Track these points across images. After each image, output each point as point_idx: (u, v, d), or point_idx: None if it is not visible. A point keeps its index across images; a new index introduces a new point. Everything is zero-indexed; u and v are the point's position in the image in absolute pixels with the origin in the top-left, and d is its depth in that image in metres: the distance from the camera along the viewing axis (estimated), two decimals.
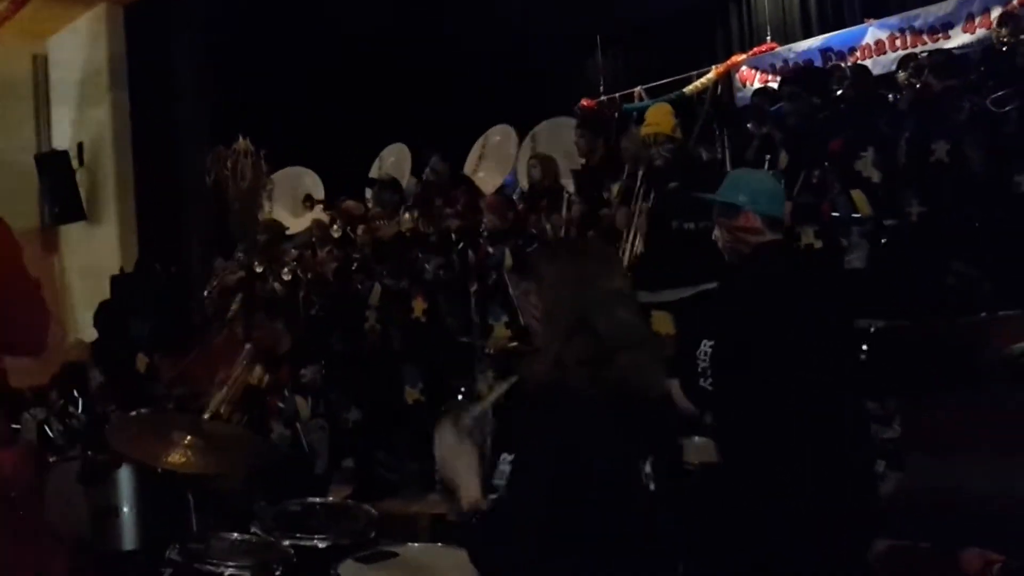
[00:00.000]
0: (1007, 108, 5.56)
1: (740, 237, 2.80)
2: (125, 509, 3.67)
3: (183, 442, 3.19)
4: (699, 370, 2.68)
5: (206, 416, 5.18)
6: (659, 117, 5.43)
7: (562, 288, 2.09)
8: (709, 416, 2.89)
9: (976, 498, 3.91)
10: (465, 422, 2.11)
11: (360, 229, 6.67)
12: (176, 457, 3.16)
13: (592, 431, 1.96)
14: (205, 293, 7.77)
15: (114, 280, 8.77)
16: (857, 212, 4.98)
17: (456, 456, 2.07)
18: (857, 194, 4.97)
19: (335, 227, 6.89)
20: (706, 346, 2.67)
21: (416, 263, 5.97)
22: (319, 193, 8.16)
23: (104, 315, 8.04)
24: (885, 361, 4.59)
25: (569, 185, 6.27)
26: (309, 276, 6.75)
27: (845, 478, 2.62)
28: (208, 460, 3.20)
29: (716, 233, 2.89)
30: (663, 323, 5.02)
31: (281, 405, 5.24)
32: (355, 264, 6.42)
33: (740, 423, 2.68)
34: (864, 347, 4.31)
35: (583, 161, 6.25)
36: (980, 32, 7.89)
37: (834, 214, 5.03)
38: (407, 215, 6.47)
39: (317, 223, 7.53)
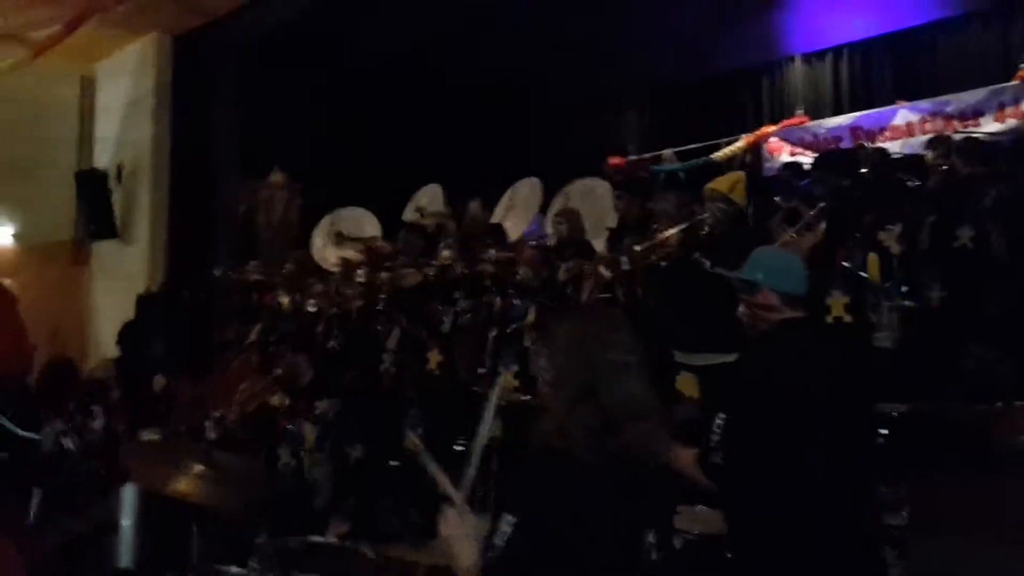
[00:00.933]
0: None
1: (759, 314, 2.88)
2: (125, 526, 3.70)
3: (192, 470, 3.20)
4: (712, 444, 2.73)
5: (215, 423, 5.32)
6: (727, 180, 5.57)
7: (571, 355, 2.11)
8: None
9: None
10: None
11: (383, 272, 6.73)
12: (184, 485, 3.17)
13: (596, 499, 1.98)
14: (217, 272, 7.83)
15: (139, 300, 8.89)
16: (866, 274, 4.97)
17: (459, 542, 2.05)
18: (872, 257, 5.01)
19: (359, 270, 6.96)
20: (719, 419, 2.73)
21: (435, 314, 6.00)
22: (368, 232, 8.24)
23: (127, 334, 8.14)
24: (902, 446, 4.58)
25: (598, 244, 6.32)
26: (333, 311, 6.81)
27: (853, 563, 2.63)
28: (216, 491, 3.21)
29: (740, 309, 2.96)
30: (689, 385, 5.03)
31: (290, 427, 5.30)
32: (378, 305, 6.47)
33: (746, 499, 2.70)
34: (884, 431, 4.31)
35: (617, 221, 6.29)
36: (1011, 122, 7.92)
37: (844, 264, 5.02)
38: (445, 252, 6.48)
39: (344, 260, 7.62)
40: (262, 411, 5.68)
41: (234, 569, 3.24)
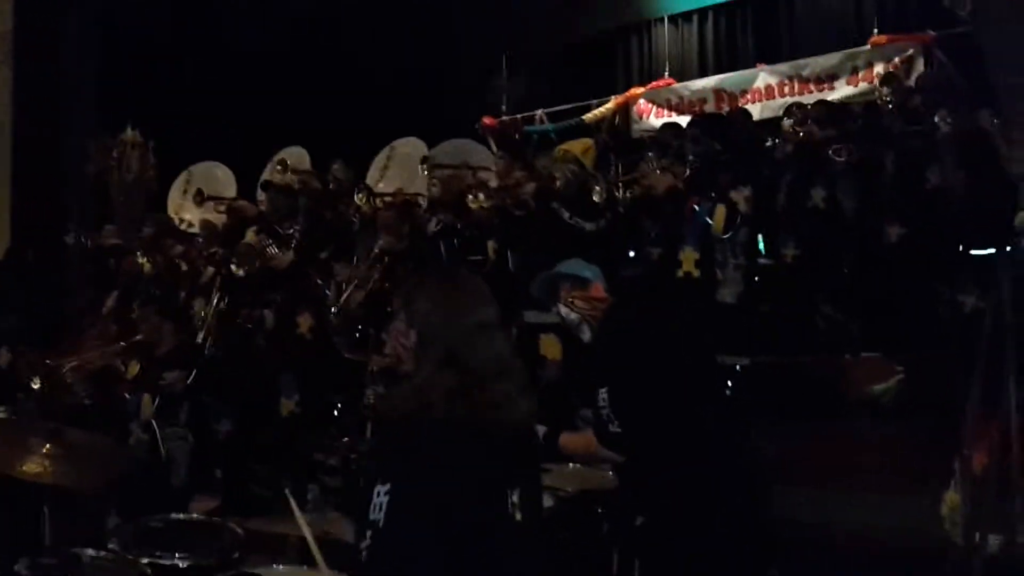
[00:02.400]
0: (882, 160, 5.91)
1: (595, 305, 3.06)
2: None
3: (41, 450, 3.03)
4: (604, 416, 2.85)
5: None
6: (579, 144, 5.68)
7: (433, 319, 2.12)
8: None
9: (836, 528, 4.11)
10: None
11: (253, 237, 6.50)
12: (32, 466, 2.99)
13: (460, 459, 1.98)
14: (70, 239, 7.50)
15: None
16: (711, 223, 5.19)
17: None
18: (720, 208, 5.20)
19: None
20: (602, 393, 2.85)
21: (309, 281, 5.87)
22: (229, 193, 7.94)
23: None
24: (751, 397, 4.82)
25: None
26: (202, 275, 6.54)
27: (747, 504, 2.78)
28: (67, 470, 3.04)
29: (563, 311, 3.12)
30: (551, 346, 5.14)
31: (128, 396, 5.09)
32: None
33: (649, 459, 2.83)
34: (728, 383, 4.52)
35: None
36: (863, 85, 8.33)
37: (696, 207, 5.25)
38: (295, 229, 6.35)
39: (204, 223, 7.34)
40: (107, 376, 5.43)
41: (90, 552, 3.09)
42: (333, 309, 5.65)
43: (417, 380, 2.06)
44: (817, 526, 4.05)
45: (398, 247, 5.82)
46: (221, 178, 8.19)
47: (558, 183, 5.54)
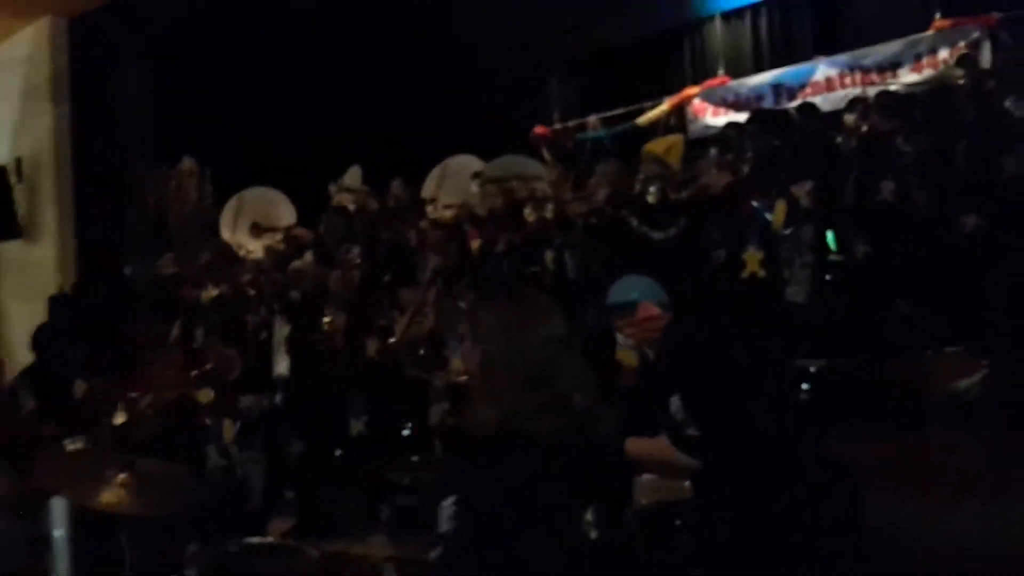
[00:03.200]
0: (952, 148, 5.70)
1: (647, 327, 3.07)
2: (57, 540, 3.57)
3: (116, 480, 3.07)
4: (679, 421, 2.82)
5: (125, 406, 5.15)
6: (663, 142, 5.67)
7: (501, 337, 2.10)
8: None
9: (922, 534, 3.97)
10: None
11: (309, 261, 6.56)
12: (108, 496, 3.05)
13: (530, 478, 1.96)
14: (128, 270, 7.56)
15: (52, 301, 8.50)
16: (771, 216, 5.03)
17: None
18: (780, 203, 5.07)
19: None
20: (675, 401, 2.83)
21: (375, 304, 5.89)
22: (287, 218, 8.02)
23: (42, 338, 7.79)
24: (826, 401, 4.67)
25: None
26: (274, 305, 6.61)
27: (811, 509, 2.71)
28: (143, 500, 3.08)
29: (620, 339, 3.16)
30: (627, 354, 5.05)
31: (208, 422, 5.17)
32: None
33: (725, 456, 2.78)
34: (805, 386, 4.38)
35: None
36: (927, 72, 8.09)
37: (754, 204, 5.11)
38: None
39: (269, 248, 7.42)
40: (183, 405, 5.52)
41: None
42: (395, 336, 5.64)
43: (484, 394, 2.06)
44: (899, 532, 3.88)
45: (449, 265, 5.80)
46: (274, 202, 8.26)
47: (638, 184, 5.44)
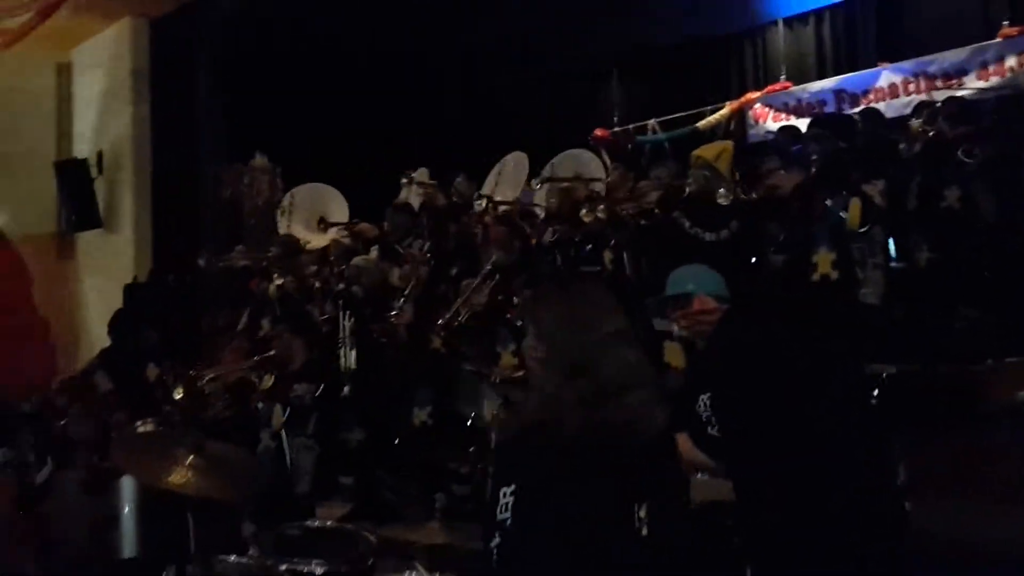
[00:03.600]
0: (1019, 156, 5.60)
1: (701, 319, 3.00)
2: (125, 517, 3.70)
3: (185, 462, 3.19)
4: (703, 419, 2.76)
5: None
6: (713, 148, 5.67)
7: (560, 333, 2.13)
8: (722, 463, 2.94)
9: (980, 544, 3.91)
10: None
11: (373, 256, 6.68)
12: (177, 476, 3.16)
13: (582, 471, 1.98)
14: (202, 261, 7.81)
15: (127, 289, 8.83)
16: (846, 216, 4.94)
17: None
18: (855, 201, 4.93)
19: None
20: (704, 398, 2.77)
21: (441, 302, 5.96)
22: (339, 214, 8.18)
23: (118, 323, 8.09)
24: (894, 407, 4.60)
25: None
26: (340, 297, 6.75)
27: (864, 516, 2.64)
28: (208, 482, 3.20)
29: (676, 329, 3.15)
30: (675, 354, 5.04)
31: (260, 406, 5.28)
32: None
33: (752, 464, 2.73)
34: (875, 392, 4.32)
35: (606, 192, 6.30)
36: (994, 79, 7.89)
37: (828, 203, 4.99)
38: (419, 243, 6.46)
39: (335, 242, 7.58)
40: (240, 387, 5.65)
41: (233, 559, 3.22)
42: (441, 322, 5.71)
43: (548, 391, 2.08)
44: (951, 537, 3.80)
45: (509, 261, 5.87)
46: (325, 198, 8.37)
47: (688, 190, 5.43)
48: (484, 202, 6.66)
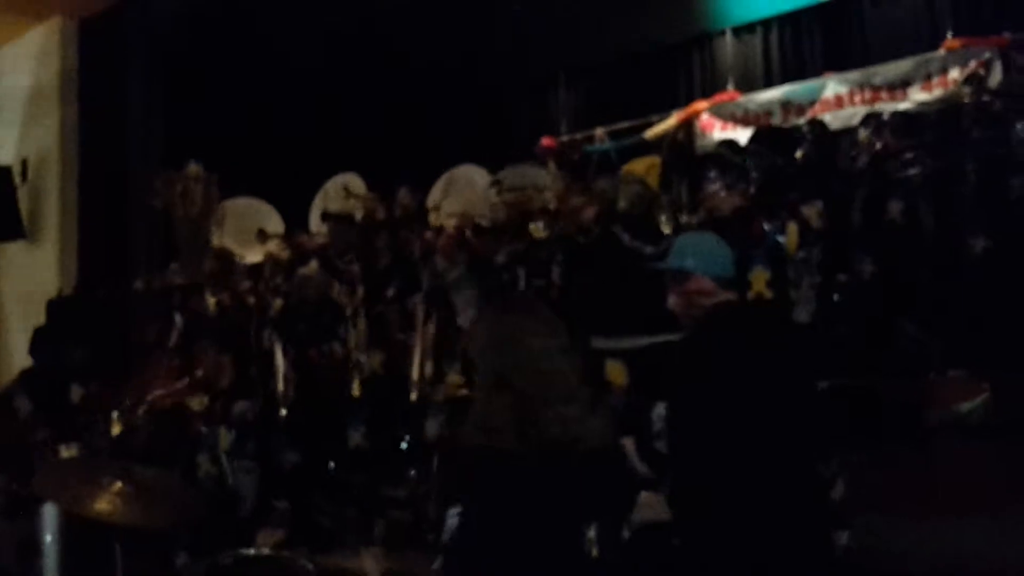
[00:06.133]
0: (963, 169, 5.66)
1: (693, 301, 2.83)
2: (48, 545, 3.57)
3: (112, 488, 3.08)
4: (653, 432, 2.69)
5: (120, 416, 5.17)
6: (643, 163, 5.61)
7: (485, 347, 2.16)
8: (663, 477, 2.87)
9: (922, 557, 3.93)
10: None
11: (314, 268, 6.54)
12: (104, 504, 3.06)
13: (522, 494, 1.97)
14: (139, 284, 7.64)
15: (50, 304, 8.46)
16: (783, 239, 4.97)
17: None
18: (792, 226, 4.98)
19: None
20: (660, 408, 2.70)
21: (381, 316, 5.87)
22: (274, 227, 8.04)
23: (40, 342, 7.77)
24: (831, 421, 4.61)
25: None
26: (271, 312, 6.59)
27: (802, 541, 2.60)
28: (137, 510, 3.10)
29: (670, 300, 2.90)
30: (616, 372, 5.02)
31: (204, 430, 5.16)
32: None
33: (695, 485, 2.66)
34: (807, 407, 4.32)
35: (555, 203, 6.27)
36: (937, 91, 8.02)
37: (764, 226, 5.02)
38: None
39: (270, 255, 7.41)
40: (177, 413, 5.52)
41: None
42: None
43: (480, 408, 2.10)
44: (894, 551, 3.89)
45: (453, 274, 5.78)
46: (260, 212, 8.28)
47: (621, 205, 5.41)
48: (433, 215, 6.57)
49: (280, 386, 5.54)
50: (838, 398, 4.92)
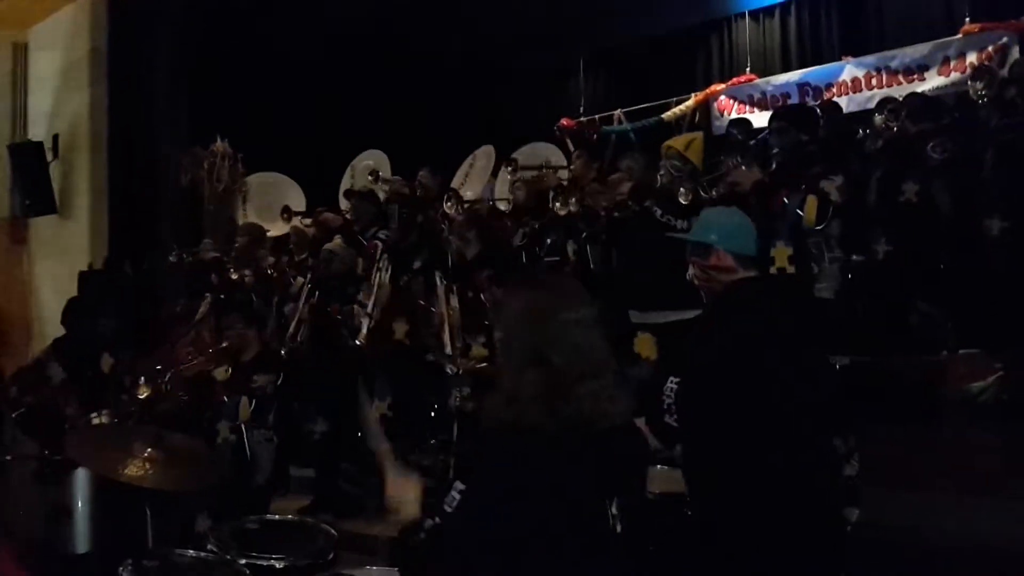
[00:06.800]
0: (979, 155, 5.67)
1: (713, 276, 2.84)
2: (79, 511, 3.66)
3: (143, 454, 3.15)
4: (664, 406, 2.72)
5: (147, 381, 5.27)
6: (683, 139, 5.76)
7: (517, 322, 2.13)
8: (676, 450, 2.92)
9: (933, 533, 4.00)
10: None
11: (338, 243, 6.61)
12: (134, 470, 3.12)
13: (548, 472, 1.98)
14: (173, 258, 7.74)
15: (82, 276, 8.63)
16: (803, 213, 4.97)
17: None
18: (811, 199, 4.94)
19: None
20: (672, 383, 2.72)
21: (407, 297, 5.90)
22: (298, 204, 8.10)
23: (72, 312, 7.92)
24: (848, 398, 4.66)
25: None
26: (293, 284, 6.66)
27: (812, 516, 2.64)
28: (167, 474, 3.16)
29: (691, 271, 2.92)
30: (646, 346, 5.06)
31: (226, 399, 5.23)
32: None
33: (704, 459, 2.71)
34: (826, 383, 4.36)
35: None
36: (955, 75, 8.01)
37: (784, 200, 5.02)
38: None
39: (296, 230, 7.47)
40: (201, 382, 5.60)
41: (191, 553, 3.18)
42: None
43: (506, 383, 2.06)
44: (905, 527, 3.93)
45: (471, 252, 5.83)
46: (283, 187, 8.29)
47: (660, 180, 5.41)
48: (451, 200, 6.62)
49: (291, 328, 5.56)
50: (852, 375, 4.99)
